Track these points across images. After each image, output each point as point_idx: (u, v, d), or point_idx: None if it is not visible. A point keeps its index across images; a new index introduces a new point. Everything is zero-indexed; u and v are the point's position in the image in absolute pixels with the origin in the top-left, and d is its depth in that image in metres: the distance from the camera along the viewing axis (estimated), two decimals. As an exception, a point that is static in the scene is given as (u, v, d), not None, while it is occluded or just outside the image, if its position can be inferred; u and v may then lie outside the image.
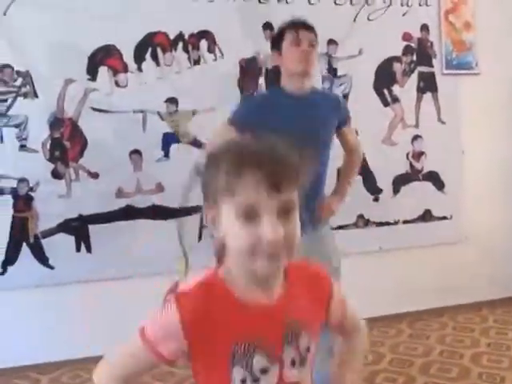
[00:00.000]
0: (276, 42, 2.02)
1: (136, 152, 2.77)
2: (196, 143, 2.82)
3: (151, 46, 2.75)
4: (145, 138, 2.78)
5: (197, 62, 2.84)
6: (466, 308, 3.31)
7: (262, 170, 0.78)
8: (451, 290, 3.28)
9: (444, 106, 3.26)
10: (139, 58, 2.74)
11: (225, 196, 0.80)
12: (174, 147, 2.82)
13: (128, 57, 2.72)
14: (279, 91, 2.05)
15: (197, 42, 2.82)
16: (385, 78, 3.15)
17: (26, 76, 2.58)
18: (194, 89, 2.79)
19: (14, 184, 2.60)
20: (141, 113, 2.75)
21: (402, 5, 3.12)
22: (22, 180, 2.61)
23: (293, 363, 0.87)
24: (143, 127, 2.77)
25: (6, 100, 2.57)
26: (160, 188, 2.82)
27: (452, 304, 3.29)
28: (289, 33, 1.97)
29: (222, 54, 2.85)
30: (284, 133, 2.10)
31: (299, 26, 1.98)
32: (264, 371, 0.85)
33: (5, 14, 2.52)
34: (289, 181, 0.80)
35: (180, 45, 2.80)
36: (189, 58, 2.82)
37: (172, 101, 2.79)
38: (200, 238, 2.82)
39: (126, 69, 2.73)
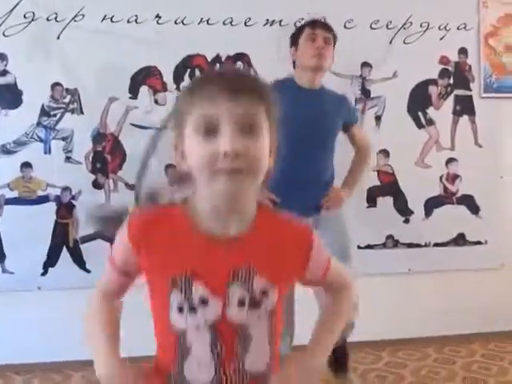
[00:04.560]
0: (294, 38, 2.17)
1: (171, 166, 2.93)
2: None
3: (190, 67, 2.91)
4: (180, 154, 2.93)
5: (232, 82, 2.97)
6: (499, 336, 3.22)
7: (221, 81, 0.80)
8: (483, 317, 3.20)
9: (482, 129, 3.22)
10: (178, 78, 2.91)
11: (187, 113, 0.82)
12: (207, 163, 2.96)
13: (168, 77, 2.90)
14: (291, 82, 2.21)
15: (233, 64, 2.96)
16: (420, 101, 3.15)
17: (74, 94, 2.81)
18: (228, 108, 2.93)
19: (58, 192, 2.82)
20: (177, 130, 2.92)
21: (439, 29, 3.13)
22: (65, 188, 2.82)
23: (241, 303, 0.84)
24: (179, 143, 2.93)
25: (55, 115, 2.80)
26: (192, 201, 2.96)
27: (483, 331, 3.22)
28: (306, 29, 2.12)
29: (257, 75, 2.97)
30: (289, 119, 2.27)
31: (316, 23, 2.16)
32: (203, 302, 0.83)
33: (58, 38, 2.76)
34: (248, 90, 0.80)
35: (217, 66, 2.95)
36: (225, 79, 2.97)
37: (207, 119, 2.94)
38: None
39: (165, 88, 2.90)
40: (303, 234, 0.91)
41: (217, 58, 2.94)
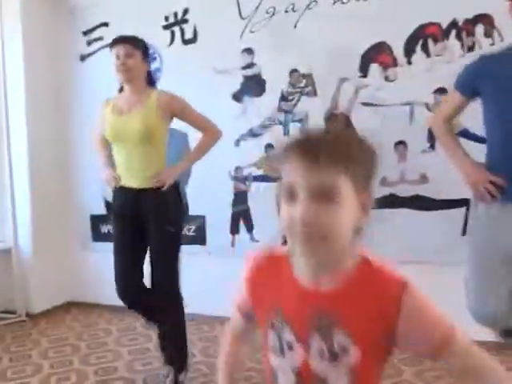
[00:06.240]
0: None
1: (401, 143, 2.85)
2: (466, 134, 2.69)
3: (422, 37, 2.78)
4: (411, 130, 2.83)
5: (471, 48, 2.70)
6: None
7: (299, 149, 0.82)
8: None
9: None
10: (409, 51, 2.80)
11: (280, 180, 0.86)
12: (440, 138, 2.76)
13: (398, 51, 2.82)
14: (508, 53, 1.87)
15: (472, 28, 2.69)
16: None
17: (309, 78, 3.00)
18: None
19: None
20: (408, 105, 2.82)
21: None
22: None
23: (321, 354, 0.86)
24: (410, 119, 2.82)
25: (292, 99, 3.05)
26: (424, 179, 2.82)
27: None
28: None
29: (502, 38, 2.63)
30: (500, 98, 1.93)
31: None
32: (290, 347, 0.89)
33: (295, 27, 3.00)
34: (327, 159, 0.79)
35: (453, 33, 2.73)
36: (462, 46, 2.72)
37: (441, 91, 2.75)
38: (464, 232, 2.71)
39: (395, 63, 2.84)
40: (391, 294, 0.83)
41: (453, 24, 2.72)
